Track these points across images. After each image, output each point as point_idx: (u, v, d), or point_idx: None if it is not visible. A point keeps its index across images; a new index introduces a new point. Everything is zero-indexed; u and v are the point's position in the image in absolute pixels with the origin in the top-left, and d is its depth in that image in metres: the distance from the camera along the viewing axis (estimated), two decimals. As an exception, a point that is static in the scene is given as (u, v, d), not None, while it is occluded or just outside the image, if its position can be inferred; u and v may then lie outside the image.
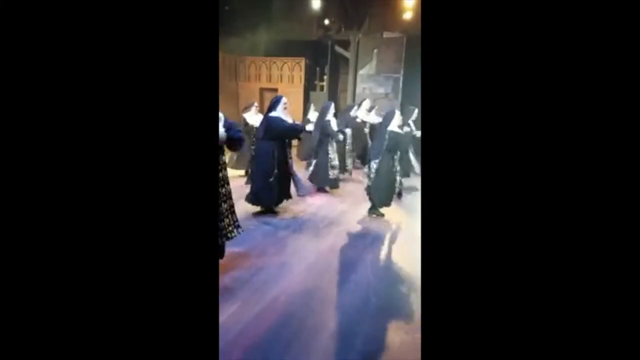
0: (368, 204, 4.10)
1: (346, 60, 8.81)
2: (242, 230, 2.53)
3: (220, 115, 2.38)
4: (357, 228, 3.51)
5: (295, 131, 3.61)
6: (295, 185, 3.78)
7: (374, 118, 6.23)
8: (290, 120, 3.60)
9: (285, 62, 8.98)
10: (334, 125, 4.53)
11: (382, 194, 3.72)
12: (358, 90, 8.55)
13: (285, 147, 3.60)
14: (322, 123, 4.53)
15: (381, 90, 8.40)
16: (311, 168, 4.73)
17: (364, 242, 3.17)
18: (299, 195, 3.89)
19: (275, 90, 8.90)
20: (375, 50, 8.37)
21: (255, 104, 5.16)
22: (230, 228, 2.42)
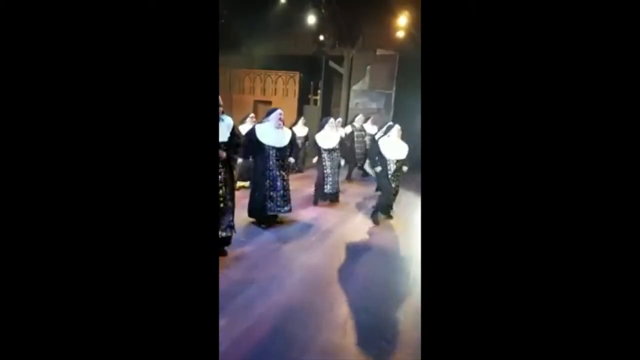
0: (361, 217, 4.16)
1: (340, 75, 8.95)
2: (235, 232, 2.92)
3: (230, 120, 2.76)
4: (350, 241, 3.51)
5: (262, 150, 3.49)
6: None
7: (370, 129, 6.35)
8: (283, 131, 3.62)
9: (279, 76, 9.08)
10: (325, 140, 4.58)
11: (380, 201, 4.07)
12: (351, 105, 8.66)
13: (280, 160, 3.59)
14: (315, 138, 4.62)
15: (374, 106, 8.53)
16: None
17: (356, 255, 3.17)
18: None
19: (270, 102, 8.97)
20: (368, 67, 8.53)
21: (252, 114, 5.15)
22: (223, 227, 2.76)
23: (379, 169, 3.97)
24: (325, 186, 4.58)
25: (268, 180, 3.52)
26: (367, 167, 5.27)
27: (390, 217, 4.22)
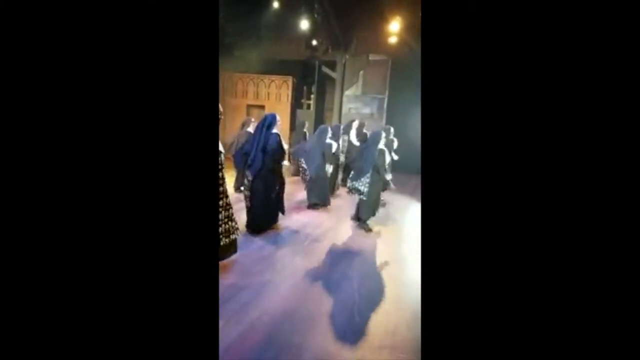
0: (354, 221, 4.13)
1: (333, 80, 9.00)
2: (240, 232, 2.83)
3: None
4: (342, 245, 3.50)
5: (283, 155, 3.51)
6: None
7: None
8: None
9: (272, 80, 9.08)
10: (334, 147, 4.64)
11: (369, 208, 3.93)
12: (344, 110, 8.71)
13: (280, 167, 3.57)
14: (323, 145, 4.54)
15: (367, 111, 8.59)
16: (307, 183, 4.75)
17: (349, 259, 3.15)
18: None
19: (262, 107, 8.96)
20: (361, 72, 8.60)
21: (252, 119, 5.07)
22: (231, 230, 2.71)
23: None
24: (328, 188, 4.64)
25: (279, 186, 3.49)
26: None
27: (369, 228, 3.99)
